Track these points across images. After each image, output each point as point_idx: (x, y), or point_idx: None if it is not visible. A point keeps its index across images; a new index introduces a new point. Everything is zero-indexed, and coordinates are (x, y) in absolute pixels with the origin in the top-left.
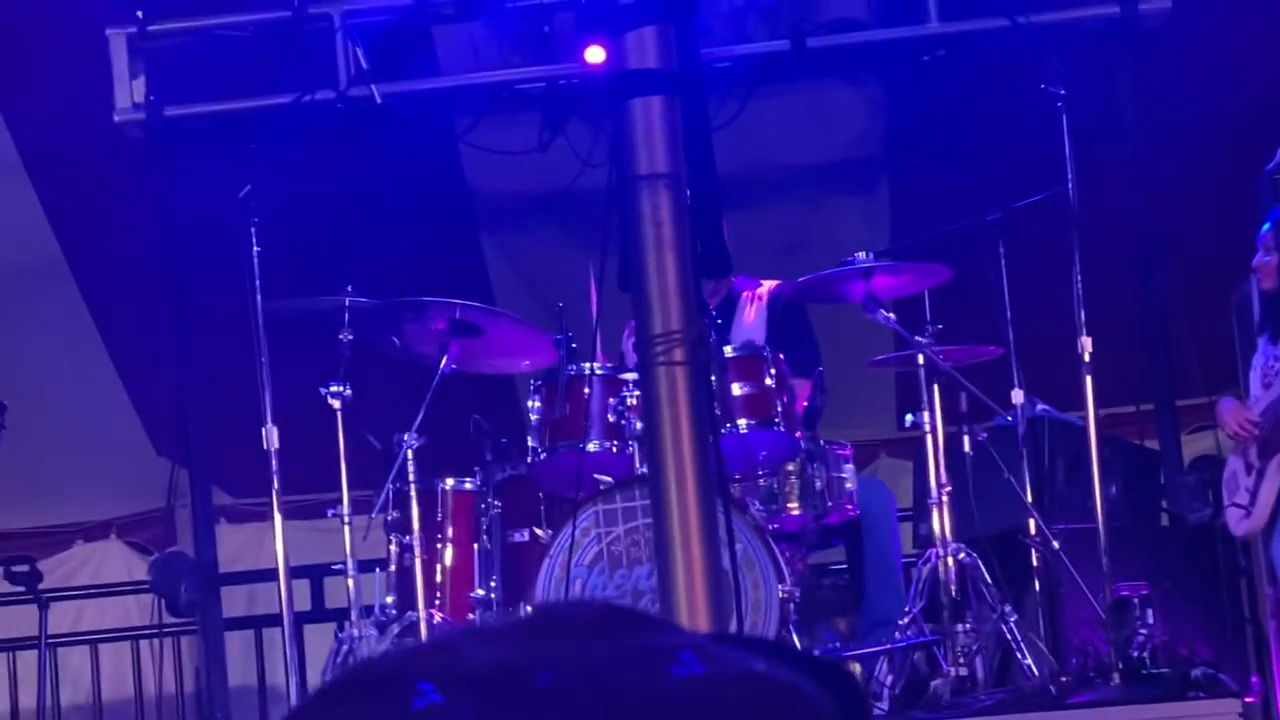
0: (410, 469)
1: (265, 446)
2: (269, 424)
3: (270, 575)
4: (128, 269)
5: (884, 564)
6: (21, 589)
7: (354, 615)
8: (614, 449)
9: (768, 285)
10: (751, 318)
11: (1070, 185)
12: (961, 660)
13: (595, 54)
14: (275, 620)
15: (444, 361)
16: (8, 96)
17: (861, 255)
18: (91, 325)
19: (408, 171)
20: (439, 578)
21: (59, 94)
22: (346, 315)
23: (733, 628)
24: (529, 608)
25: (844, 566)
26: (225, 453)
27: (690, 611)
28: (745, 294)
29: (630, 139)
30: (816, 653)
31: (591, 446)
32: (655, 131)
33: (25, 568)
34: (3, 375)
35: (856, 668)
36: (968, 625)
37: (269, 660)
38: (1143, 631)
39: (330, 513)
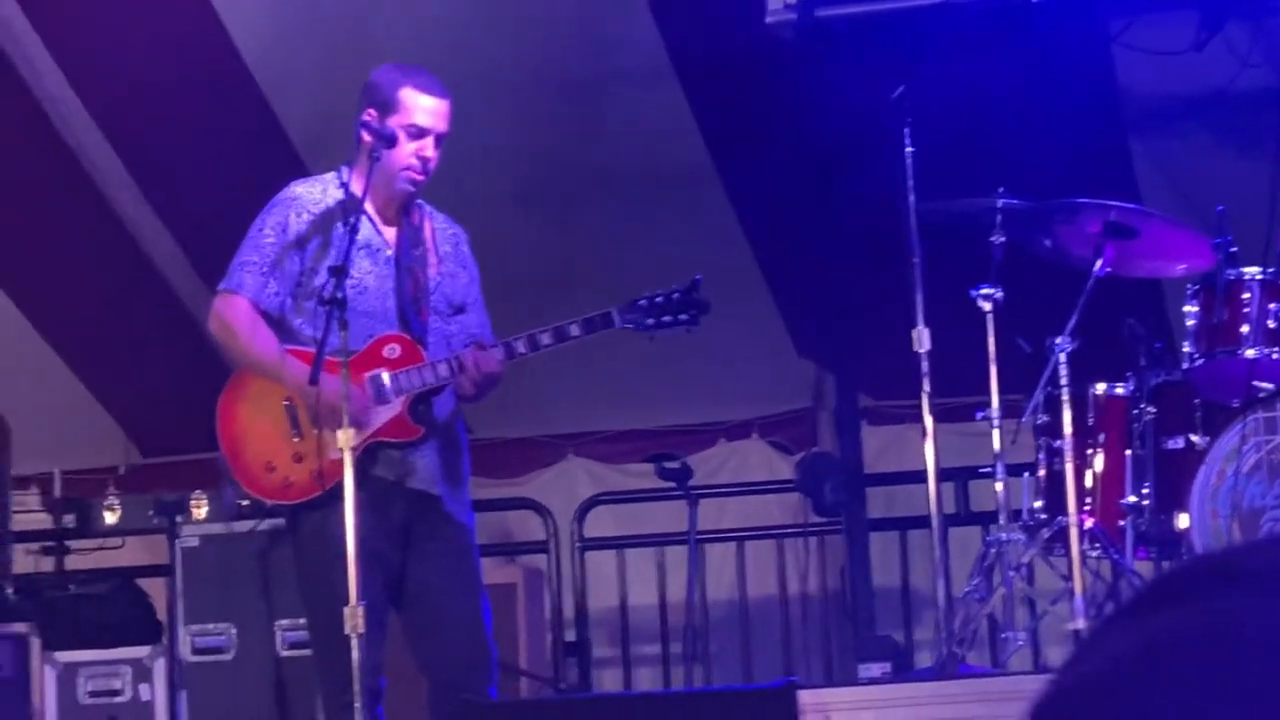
0: (1062, 373)
1: (916, 348)
2: (920, 326)
3: (914, 477)
4: (775, 171)
5: None
6: (672, 484)
7: (1002, 519)
8: (1274, 356)
9: None
10: None
11: None
12: None
13: None
14: (919, 522)
15: (1098, 264)
16: (660, 1)
17: None
18: (738, 227)
19: (1058, 73)
20: (1089, 483)
21: None
22: (998, 217)
23: None
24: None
25: None
26: (868, 355)
27: None
28: None
29: None
30: None
31: (1250, 353)
32: None
33: (676, 464)
34: (650, 271)
35: None
36: None
37: (912, 562)
38: None
39: (979, 415)
